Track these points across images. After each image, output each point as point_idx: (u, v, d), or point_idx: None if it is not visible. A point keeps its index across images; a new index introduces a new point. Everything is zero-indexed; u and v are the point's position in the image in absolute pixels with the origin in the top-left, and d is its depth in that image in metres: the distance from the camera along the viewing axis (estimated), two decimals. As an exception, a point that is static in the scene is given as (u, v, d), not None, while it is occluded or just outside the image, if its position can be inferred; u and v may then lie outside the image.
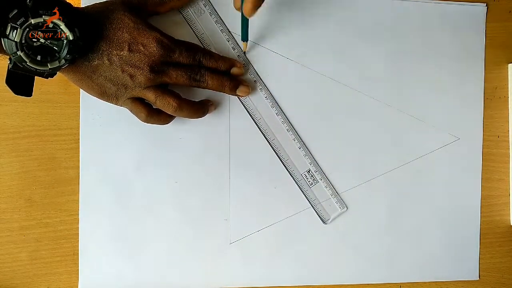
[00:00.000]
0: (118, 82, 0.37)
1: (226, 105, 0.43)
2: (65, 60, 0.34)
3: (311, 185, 0.44)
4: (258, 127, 0.43)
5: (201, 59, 0.39)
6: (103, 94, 0.38)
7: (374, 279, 0.45)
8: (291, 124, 0.44)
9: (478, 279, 0.46)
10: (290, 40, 0.44)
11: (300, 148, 0.44)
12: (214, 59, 0.40)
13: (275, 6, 0.44)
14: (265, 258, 0.44)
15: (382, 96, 0.45)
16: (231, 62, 0.41)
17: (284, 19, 0.44)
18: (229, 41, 0.43)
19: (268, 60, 0.44)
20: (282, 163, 0.44)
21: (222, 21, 0.43)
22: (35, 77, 0.36)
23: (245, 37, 0.42)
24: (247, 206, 0.43)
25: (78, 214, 0.42)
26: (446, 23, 0.45)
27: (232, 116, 0.43)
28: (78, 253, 0.42)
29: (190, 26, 0.43)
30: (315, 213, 0.44)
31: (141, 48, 0.37)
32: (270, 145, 0.43)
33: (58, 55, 0.34)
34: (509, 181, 0.47)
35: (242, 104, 0.43)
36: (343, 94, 0.44)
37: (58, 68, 0.34)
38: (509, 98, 0.47)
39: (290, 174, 0.44)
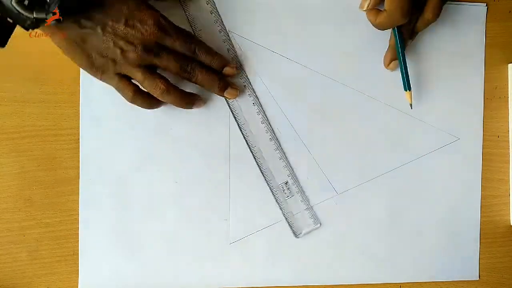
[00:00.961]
0: (108, 55, 0.36)
1: (227, 104, 0.43)
2: (53, 14, 0.32)
3: (287, 197, 0.43)
4: (241, 132, 0.43)
5: (196, 50, 0.39)
6: (90, 66, 0.37)
7: (374, 279, 0.45)
8: (274, 134, 0.43)
9: (478, 279, 0.46)
10: (289, 40, 0.44)
11: (280, 158, 0.43)
12: (210, 54, 0.40)
13: (275, 6, 0.44)
14: (265, 258, 0.44)
15: (382, 96, 0.45)
16: (226, 61, 0.41)
17: (284, 18, 0.44)
18: (225, 42, 0.43)
19: (267, 59, 0.44)
20: (261, 171, 0.43)
21: (222, 21, 0.43)
22: (17, 31, 0.34)
23: (408, 85, 0.43)
24: (247, 206, 0.43)
25: (78, 214, 0.42)
26: (446, 23, 0.45)
27: (232, 116, 0.43)
28: (78, 253, 0.42)
29: (189, 21, 0.42)
30: (288, 225, 0.43)
31: (138, 24, 0.36)
32: (251, 152, 0.43)
33: (47, 7, 0.32)
34: (509, 181, 0.47)
35: (229, 106, 0.43)
36: (343, 94, 0.44)
37: (43, 21, 0.32)
38: (509, 98, 0.47)
39: (267, 183, 0.43)
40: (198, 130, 0.43)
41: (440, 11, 0.40)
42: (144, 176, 0.43)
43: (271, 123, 0.44)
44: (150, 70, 0.38)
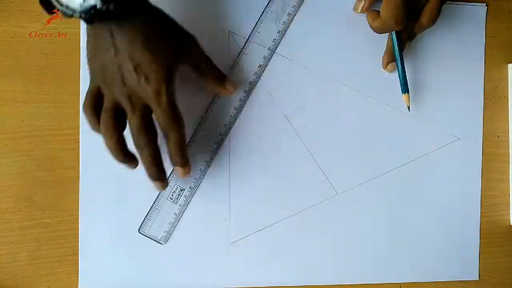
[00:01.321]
0: (105, 68, 0.35)
1: (228, 106, 0.43)
2: (80, 12, 0.31)
3: (169, 198, 0.42)
4: (201, 122, 0.43)
5: (169, 135, 0.37)
6: (90, 54, 0.36)
7: (374, 279, 0.45)
8: (218, 149, 0.43)
9: (478, 279, 0.46)
10: (290, 40, 0.44)
11: (200, 171, 0.43)
12: (176, 149, 0.37)
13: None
14: (265, 258, 0.44)
15: (382, 96, 0.45)
16: (183, 165, 0.38)
17: (284, 19, 0.44)
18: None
19: (267, 60, 0.44)
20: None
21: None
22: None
23: (405, 88, 0.43)
24: (247, 206, 0.43)
25: (78, 214, 0.42)
26: (446, 23, 0.45)
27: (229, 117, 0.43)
28: (78, 253, 0.42)
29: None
30: (146, 215, 0.42)
31: (143, 77, 0.35)
32: (188, 141, 0.42)
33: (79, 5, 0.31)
34: (509, 181, 0.47)
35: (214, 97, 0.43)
36: (343, 94, 0.44)
37: (70, 14, 0.31)
38: (509, 98, 0.47)
39: (169, 175, 0.42)
40: (198, 130, 0.43)
41: (437, 17, 0.40)
42: (144, 176, 0.42)
43: (272, 124, 0.44)
44: (118, 109, 0.36)
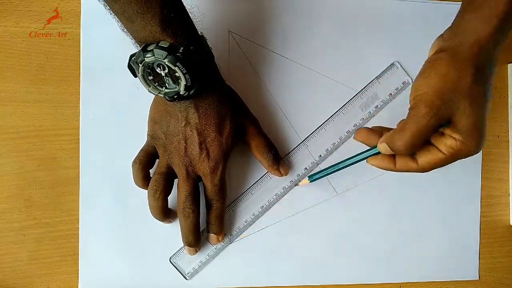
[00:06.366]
0: (166, 135, 0.38)
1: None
2: (165, 94, 0.34)
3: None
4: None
5: (213, 203, 0.39)
6: (152, 119, 0.39)
7: (374, 279, 0.45)
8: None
9: (478, 279, 0.46)
10: (289, 40, 0.44)
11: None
12: (215, 217, 0.40)
13: (275, 6, 0.44)
14: (265, 258, 0.44)
15: (382, 95, 0.45)
16: (220, 232, 0.41)
17: (284, 18, 0.44)
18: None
19: (267, 59, 0.44)
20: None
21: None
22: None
23: (314, 178, 0.41)
24: (247, 206, 0.43)
25: (78, 214, 0.42)
26: (446, 23, 0.45)
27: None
28: (78, 253, 0.42)
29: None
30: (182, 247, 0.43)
31: (204, 153, 0.37)
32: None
33: (162, 88, 0.34)
34: (509, 181, 0.47)
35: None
36: (343, 94, 0.44)
37: (155, 94, 0.35)
38: (509, 98, 0.47)
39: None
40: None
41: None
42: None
43: (270, 126, 0.44)
44: (171, 173, 0.39)
